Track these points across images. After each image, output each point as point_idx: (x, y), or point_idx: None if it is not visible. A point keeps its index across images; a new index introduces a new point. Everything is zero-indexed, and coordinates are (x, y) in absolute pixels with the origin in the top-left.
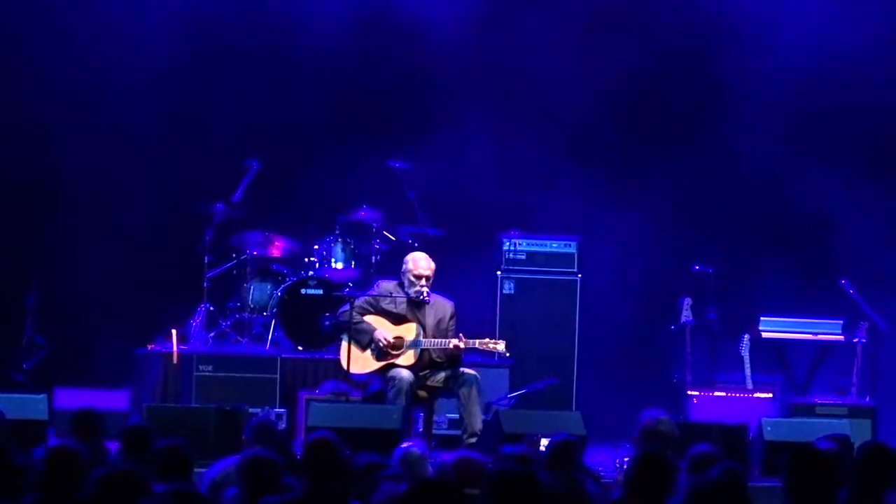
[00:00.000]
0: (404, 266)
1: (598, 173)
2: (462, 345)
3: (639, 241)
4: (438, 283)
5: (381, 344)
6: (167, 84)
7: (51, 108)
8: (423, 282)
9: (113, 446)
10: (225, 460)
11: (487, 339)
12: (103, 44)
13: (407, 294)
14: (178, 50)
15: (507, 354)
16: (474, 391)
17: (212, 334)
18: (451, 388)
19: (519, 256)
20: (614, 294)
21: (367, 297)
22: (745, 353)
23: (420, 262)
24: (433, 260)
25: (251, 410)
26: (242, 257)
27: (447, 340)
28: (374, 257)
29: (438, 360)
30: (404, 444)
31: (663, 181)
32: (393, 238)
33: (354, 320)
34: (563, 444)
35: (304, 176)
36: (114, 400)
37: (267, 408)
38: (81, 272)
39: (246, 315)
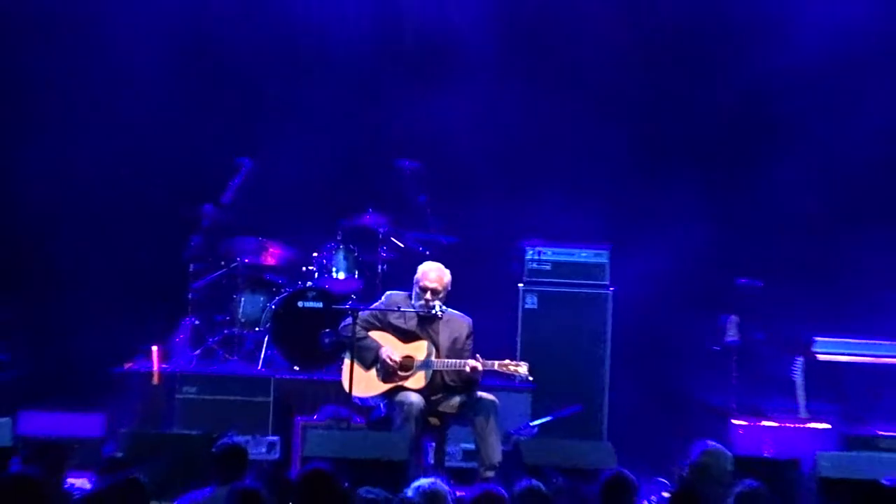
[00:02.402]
0: (415, 277)
1: (629, 175)
2: (479, 366)
3: (677, 250)
4: (453, 296)
5: (387, 364)
6: (152, 75)
7: (20, 112)
8: (429, 295)
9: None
10: (196, 493)
11: (508, 361)
12: (82, 38)
13: (418, 309)
14: (164, 41)
15: (530, 378)
16: (492, 419)
17: (197, 352)
18: (467, 414)
19: (543, 267)
20: (650, 310)
21: (372, 311)
22: (799, 378)
23: (429, 274)
24: (446, 270)
25: (238, 438)
26: (232, 265)
27: (462, 361)
28: (380, 266)
29: (452, 383)
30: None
31: (704, 183)
32: (401, 245)
33: (358, 336)
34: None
35: (303, 176)
36: (86, 425)
37: (232, 432)
38: (52, 281)
39: (236, 330)
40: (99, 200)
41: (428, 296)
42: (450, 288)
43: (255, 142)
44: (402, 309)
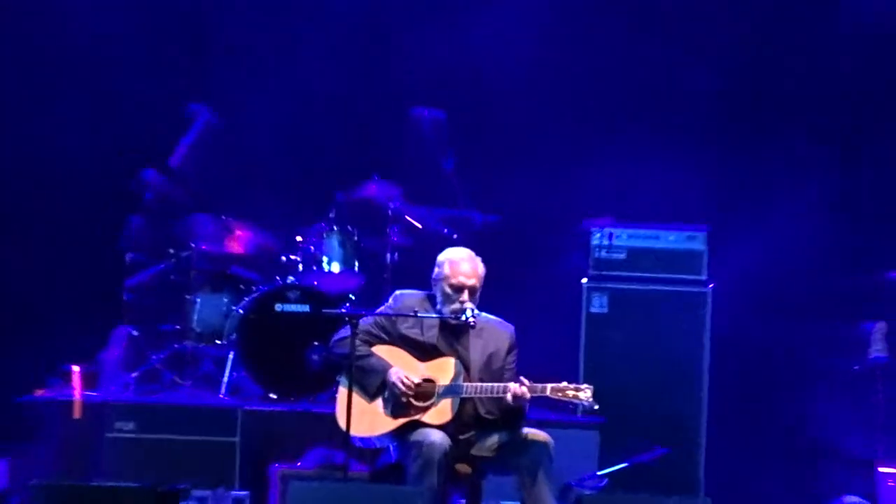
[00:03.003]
0: (437, 270)
1: (731, 135)
2: (526, 392)
3: (796, 235)
4: (489, 296)
5: (399, 390)
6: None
7: None
8: (466, 296)
9: None
10: None
11: (565, 384)
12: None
13: (441, 314)
14: None
15: (596, 407)
16: (544, 466)
17: (135, 374)
18: (509, 460)
19: (616, 256)
20: (761, 316)
21: (378, 318)
22: None
23: (462, 266)
24: (483, 262)
25: (196, 493)
26: (184, 255)
27: (503, 386)
28: (389, 256)
29: (489, 415)
30: None
31: (833, 146)
32: (419, 226)
33: (358, 353)
34: None
35: (283, 132)
36: None
37: (184, 485)
38: None
39: (189, 344)
40: (12, 174)
41: (465, 297)
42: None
43: (215, 86)
44: (419, 314)
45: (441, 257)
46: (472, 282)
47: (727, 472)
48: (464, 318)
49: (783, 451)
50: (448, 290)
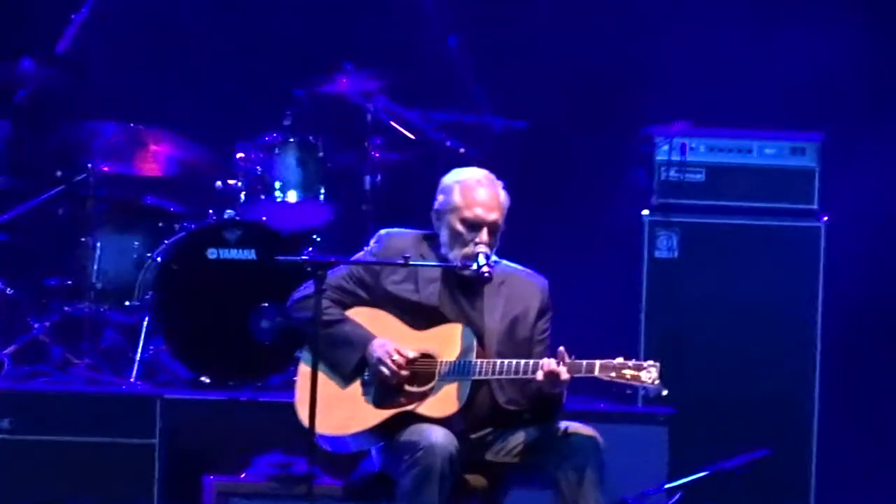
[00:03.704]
0: (441, 199)
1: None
2: (564, 372)
3: None
4: (513, 238)
5: (385, 371)
6: None
7: None
8: (485, 235)
9: None
10: None
11: (622, 361)
12: None
13: (446, 261)
14: None
15: (665, 392)
16: (591, 475)
17: (9, 349)
18: (540, 468)
19: (692, 177)
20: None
21: (354, 269)
22: None
23: (479, 193)
24: (500, 183)
25: None
26: (78, 179)
27: (532, 363)
28: (368, 178)
29: (512, 405)
30: None
31: None
32: (411, 136)
33: (327, 318)
34: None
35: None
36: None
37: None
38: None
39: (86, 307)
40: None
41: (483, 236)
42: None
43: None
44: (412, 263)
45: (446, 180)
46: (493, 216)
47: (849, 479)
48: (475, 266)
49: None
50: (459, 226)
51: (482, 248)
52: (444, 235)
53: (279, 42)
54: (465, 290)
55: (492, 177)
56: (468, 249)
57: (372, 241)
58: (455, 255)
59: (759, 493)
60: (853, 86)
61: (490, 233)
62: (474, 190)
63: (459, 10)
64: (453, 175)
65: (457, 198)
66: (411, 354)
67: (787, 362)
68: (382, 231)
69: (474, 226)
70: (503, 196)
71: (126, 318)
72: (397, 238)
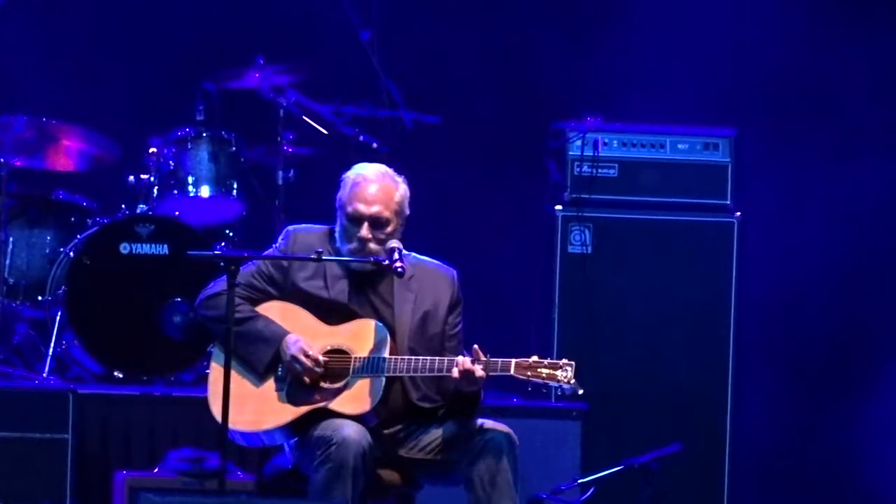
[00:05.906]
0: (338, 194)
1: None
2: (479, 369)
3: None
4: (426, 232)
5: (299, 368)
6: None
7: None
8: (365, 231)
9: None
10: None
11: (536, 360)
12: None
13: (351, 257)
14: None
15: (581, 391)
16: (504, 472)
17: None
18: (455, 464)
19: (605, 172)
20: (817, 257)
21: (264, 264)
22: None
23: (365, 189)
24: (399, 178)
25: None
26: None
27: (447, 360)
28: (281, 173)
29: (425, 402)
30: None
31: None
32: (324, 131)
33: (239, 314)
34: None
35: None
36: None
37: None
38: None
39: None
40: None
41: (364, 231)
42: (408, 212)
43: None
44: (323, 257)
45: (346, 176)
46: (374, 209)
47: (760, 472)
48: (388, 261)
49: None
50: (345, 220)
51: (391, 243)
52: (337, 230)
53: (191, 36)
54: (374, 284)
55: (385, 171)
56: (355, 245)
57: (279, 238)
58: (347, 250)
59: (673, 487)
60: (766, 81)
61: (373, 226)
62: (358, 185)
63: (372, 4)
64: (350, 174)
65: (344, 193)
66: (317, 354)
67: (701, 357)
68: (290, 227)
69: (355, 220)
70: (399, 190)
71: (38, 313)
72: (303, 234)
